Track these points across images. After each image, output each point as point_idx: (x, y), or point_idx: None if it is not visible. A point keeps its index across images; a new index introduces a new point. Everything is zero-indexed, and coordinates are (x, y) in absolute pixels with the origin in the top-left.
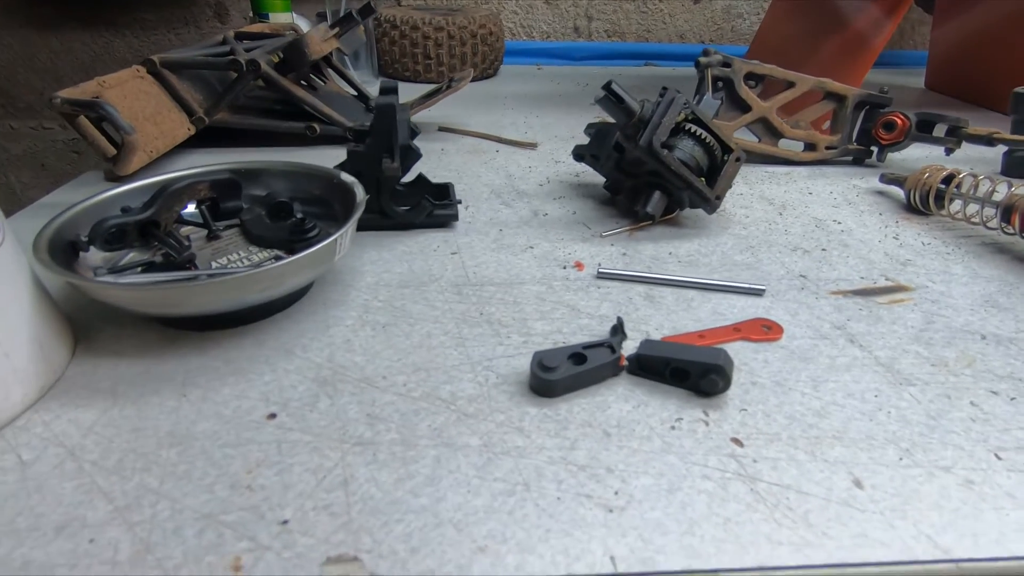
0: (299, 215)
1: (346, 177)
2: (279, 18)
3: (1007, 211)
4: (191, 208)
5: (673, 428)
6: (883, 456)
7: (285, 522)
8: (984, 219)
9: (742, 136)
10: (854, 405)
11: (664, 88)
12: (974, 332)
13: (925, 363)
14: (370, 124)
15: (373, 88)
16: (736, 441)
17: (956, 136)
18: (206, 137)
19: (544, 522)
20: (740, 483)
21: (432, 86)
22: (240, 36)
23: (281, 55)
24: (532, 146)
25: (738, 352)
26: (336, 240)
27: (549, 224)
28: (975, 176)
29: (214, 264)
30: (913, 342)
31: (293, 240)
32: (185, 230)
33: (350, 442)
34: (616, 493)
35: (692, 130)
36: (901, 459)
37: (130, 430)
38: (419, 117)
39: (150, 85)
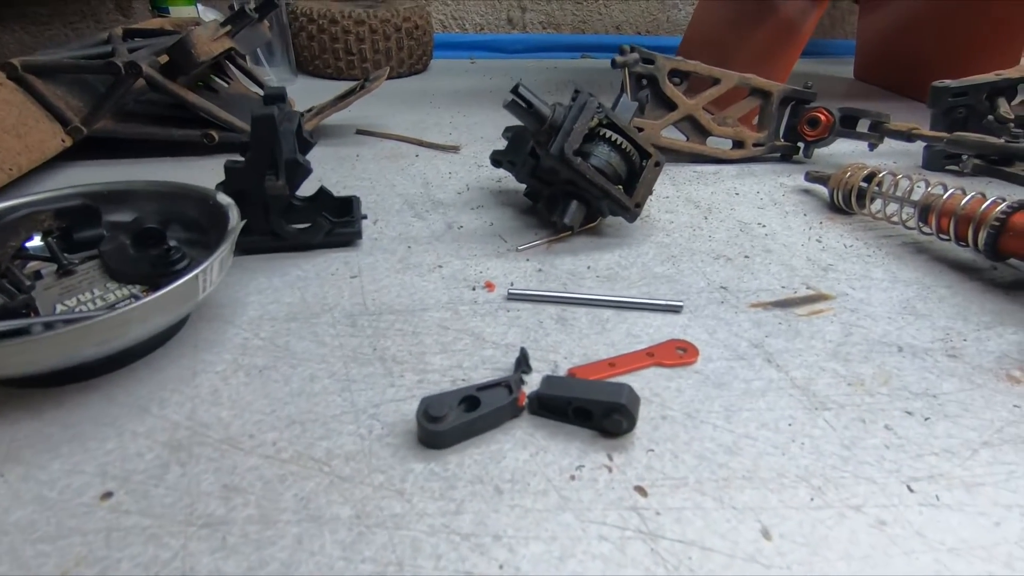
0: (171, 243)
1: (222, 198)
2: (181, 12)
3: (924, 211)
4: (37, 240)
5: (573, 478)
6: (793, 498)
7: None
8: (903, 218)
9: (670, 135)
10: (767, 437)
11: (576, 91)
12: (891, 344)
13: (842, 382)
14: (248, 135)
15: (289, 87)
16: (640, 490)
17: (878, 131)
18: (90, 149)
19: None
20: (640, 543)
21: (350, 85)
22: (130, 33)
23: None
24: (455, 149)
25: (650, 381)
26: (197, 278)
27: (463, 238)
28: (894, 175)
29: (59, 307)
30: (831, 358)
31: (157, 274)
32: (34, 265)
33: (197, 524)
34: (501, 567)
35: (608, 135)
36: (812, 499)
37: None
38: (336, 120)
39: (11, 93)
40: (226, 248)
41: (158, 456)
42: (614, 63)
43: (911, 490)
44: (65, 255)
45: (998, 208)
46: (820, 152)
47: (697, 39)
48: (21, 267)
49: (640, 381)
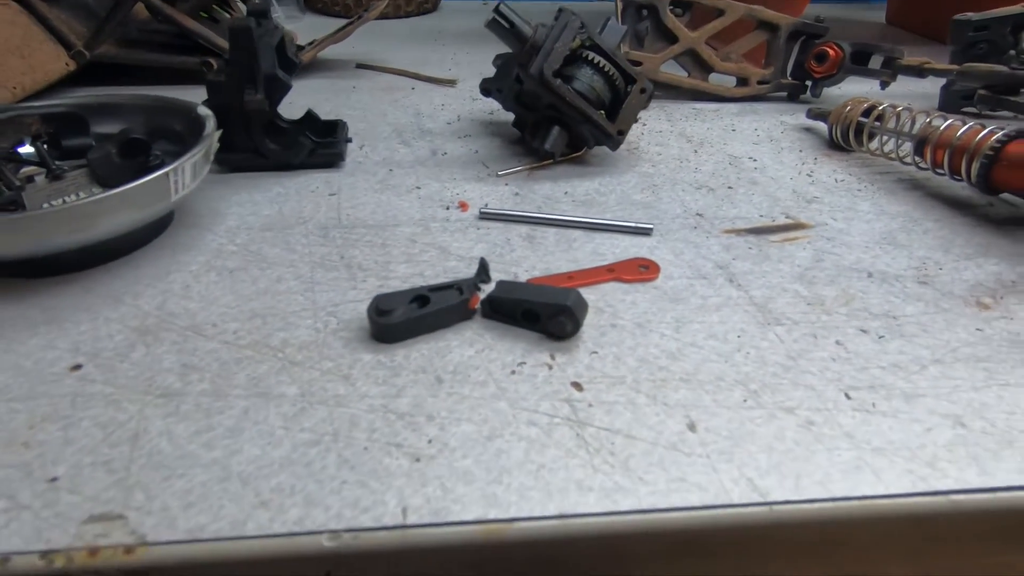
0: (155, 153)
1: (202, 110)
2: None
3: (920, 144)
4: (28, 147)
5: (513, 373)
6: (727, 398)
7: (54, 479)
8: (900, 154)
9: (670, 70)
10: (712, 346)
11: (560, 9)
12: (862, 270)
13: (801, 302)
14: (228, 51)
15: (296, 24)
16: (576, 385)
17: (891, 68)
18: (95, 74)
19: (342, 473)
20: (567, 428)
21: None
22: None
23: None
24: (451, 83)
25: (607, 293)
26: (168, 176)
27: (445, 164)
28: (895, 107)
29: (45, 205)
30: (795, 281)
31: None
32: (28, 170)
33: (154, 393)
34: (430, 442)
35: (590, 58)
36: (745, 400)
37: None
38: (336, 53)
39: (15, 14)
40: (200, 151)
41: (126, 338)
42: None
43: (848, 397)
44: (55, 162)
45: (994, 137)
46: (829, 92)
47: None
48: (14, 171)
49: (596, 294)
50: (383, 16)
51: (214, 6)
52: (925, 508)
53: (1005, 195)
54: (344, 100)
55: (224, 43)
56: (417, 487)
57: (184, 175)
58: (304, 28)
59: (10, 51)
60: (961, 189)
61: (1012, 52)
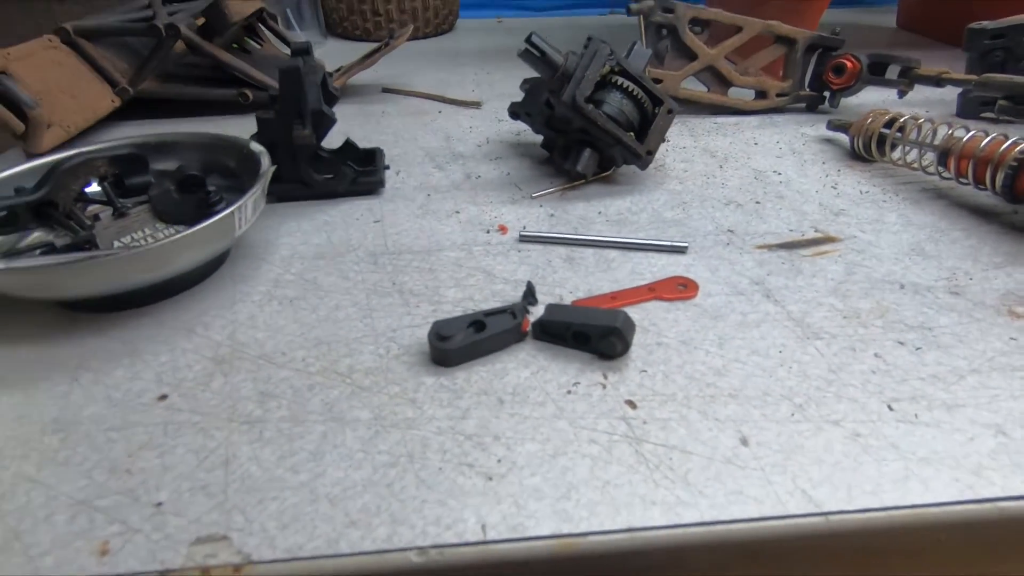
0: (210, 188)
1: (255, 147)
2: None
3: (943, 155)
4: (95, 187)
5: (569, 392)
6: (775, 412)
7: (159, 504)
8: (923, 164)
9: (691, 86)
10: (756, 362)
11: (589, 38)
12: (894, 282)
13: (838, 316)
14: (277, 90)
15: (319, 49)
16: (630, 403)
17: (908, 78)
18: (136, 109)
19: (421, 493)
20: (626, 445)
21: (374, 45)
22: None
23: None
24: (476, 105)
25: (650, 312)
26: (233, 214)
27: (480, 187)
28: (916, 119)
29: (116, 243)
30: (830, 295)
31: (199, 216)
32: (93, 208)
33: (238, 420)
34: (499, 461)
35: (619, 83)
36: (792, 415)
37: (14, 418)
38: (362, 79)
39: (65, 56)
40: (258, 189)
41: (204, 368)
42: (629, 10)
43: (891, 408)
44: (119, 199)
45: (1017, 148)
46: (848, 102)
47: None
48: (83, 209)
49: (640, 313)
50: None
51: (245, 38)
52: (973, 515)
53: None
54: (375, 125)
55: (257, 74)
56: (492, 505)
57: (246, 211)
58: (327, 53)
59: (62, 91)
60: (986, 197)
61: None
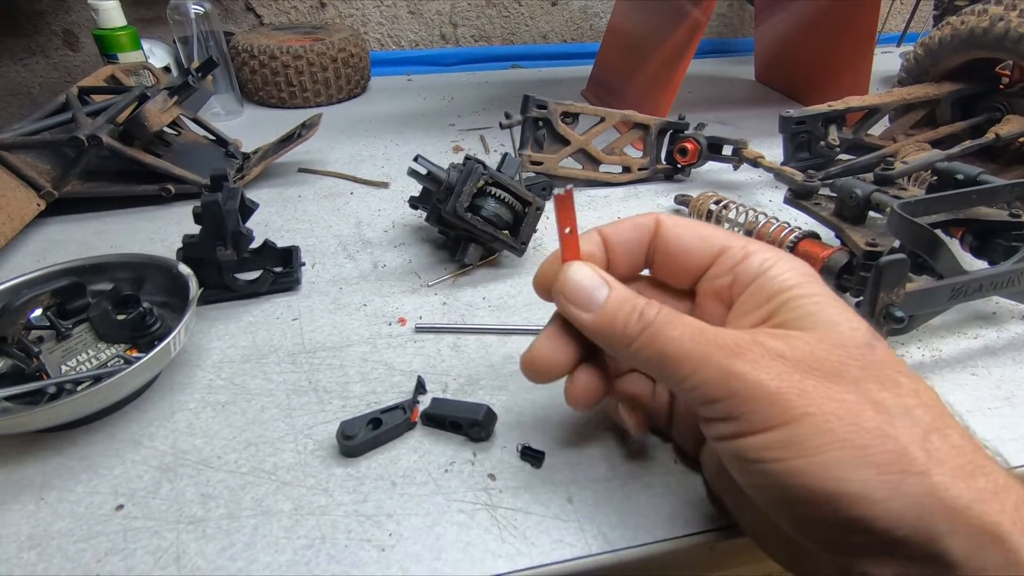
0: (145, 307)
1: (183, 269)
2: (129, 57)
3: (748, 233)
4: (38, 312)
5: (446, 471)
6: (595, 473)
7: None
8: None
9: (568, 165)
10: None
11: (467, 158)
12: None
13: None
14: (199, 217)
15: (237, 119)
16: (491, 476)
17: (738, 156)
18: (61, 205)
19: (332, 568)
20: (485, 512)
21: (291, 126)
22: (84, 91)
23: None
24: (384, 185)
25: (514, 394)
26: (169, 343)
27: (385, 276)
28: (734, 202)
29: (63, 368)
30: None
31: (136, 335)
32: (37, 332)
33: (185, 522)
34: (390, 535)
35: (493, 192)
36: (605, 474)
37: None
38: (280, 158)
39: None
40: (189, 315)
41: (152, 477)
42: (501, 126)
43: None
44: (61, 322)
45: (791, 236)
46: (698, 171)
47: (604, 71)
48: (27, 335)
49: (506, 395)
50: (317, 103)
51: (163, 128)
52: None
53: None
54: (292, 212)
55: (178, 170)
56: (384, 570)
57: (180, 337)
58: (244, 123)
59: None
60: None
61: (823, 143)
